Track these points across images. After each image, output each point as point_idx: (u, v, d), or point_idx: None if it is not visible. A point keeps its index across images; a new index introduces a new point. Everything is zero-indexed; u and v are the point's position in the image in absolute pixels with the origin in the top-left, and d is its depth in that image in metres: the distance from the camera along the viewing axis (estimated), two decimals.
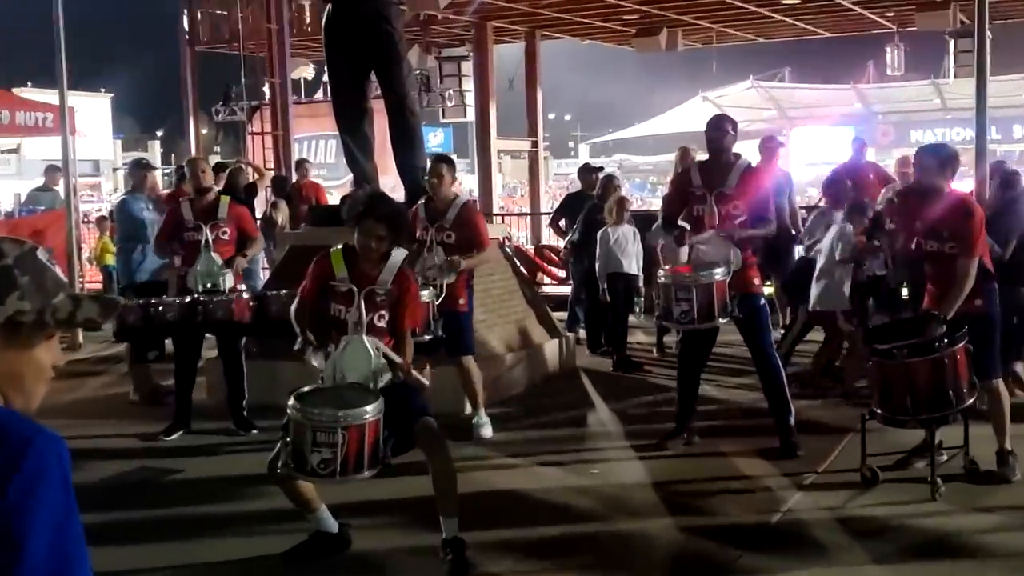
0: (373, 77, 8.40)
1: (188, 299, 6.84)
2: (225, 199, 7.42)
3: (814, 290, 7.86)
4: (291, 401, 4.42)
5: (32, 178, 29.93)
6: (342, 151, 8.81)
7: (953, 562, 4.66)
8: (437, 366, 6.54)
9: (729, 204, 6.26)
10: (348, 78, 8.32)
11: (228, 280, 7.01)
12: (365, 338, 4.54)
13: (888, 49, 20.68)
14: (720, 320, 6.23)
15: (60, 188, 12.37)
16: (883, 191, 9.03)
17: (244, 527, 5.30)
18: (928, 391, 5.44)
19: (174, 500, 5.85)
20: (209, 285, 6.90)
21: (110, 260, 13.38)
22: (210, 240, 7.05)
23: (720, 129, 6.40)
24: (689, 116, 34.51)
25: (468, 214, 6.82)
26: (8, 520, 1.40)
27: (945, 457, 5.77)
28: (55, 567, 1.42)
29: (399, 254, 4.76)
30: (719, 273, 6.14)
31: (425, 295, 5.94)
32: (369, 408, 4.33)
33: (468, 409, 7.16)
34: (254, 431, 7.07)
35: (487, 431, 6.91)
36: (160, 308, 6.86)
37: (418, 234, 6.62)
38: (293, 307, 4.85)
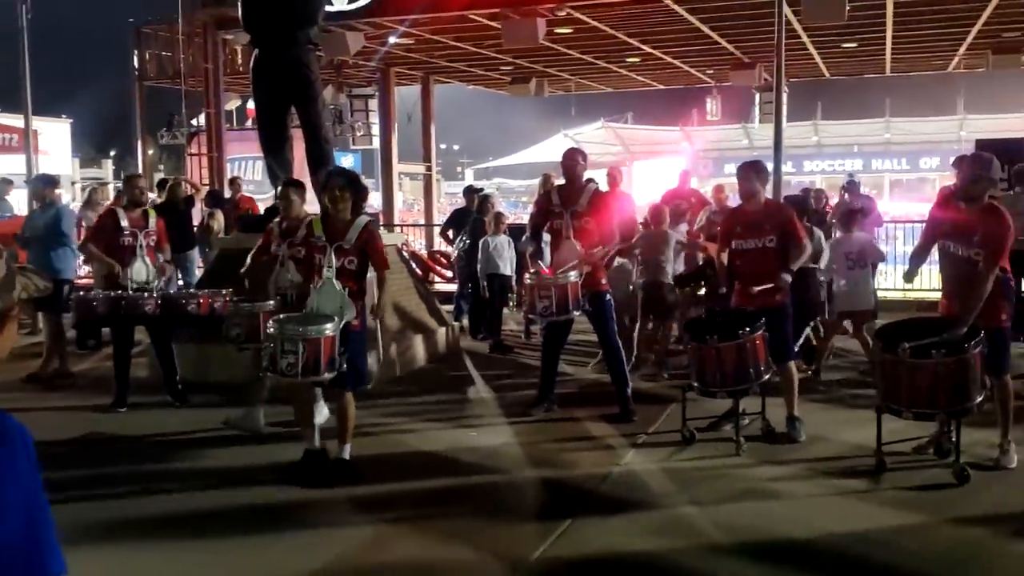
0: (293, 111, 8.23)
1: (121, 294, 6.63)
2: (152, 212, 7.19)
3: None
4: (272, 320, 4.97)
5: None
6: (266, 171, 8.60)
7: (755, 503, 4.73)
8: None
9: (582, 219, 6.31)
10: (272, 111, 8.12)
11: (157, 279, 6.88)
12: (335, 281, 4.95)
13: (708, 99, 21.28)
14: (574, 313, 6.26)
15: (10, 199, 11.84)
16: (702, 211, 9.27)
17: (190, 481, 5.11)
18: (734, 369, 5.58)
19: (123, 459, 5.62)
20: (141, 283, 6.72)
21: None
22: (144, 245, 6.83)
23: (573, 159, 6.44)
24: (552, 149, 34.86)
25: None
26: None
27: (747, 421, 5.90)
28: (29, 533, 1.33)
29: (363, 219, 5.10)
30: (573, 276, 6.18)
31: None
32: (326, 327, 4.77)
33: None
34: (180, 404, 6.88)
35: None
36: (129, 302, 6.61)
37: (272, 249, 5.98)
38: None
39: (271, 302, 5.83)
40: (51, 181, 8.55)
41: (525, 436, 5.99)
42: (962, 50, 16.71)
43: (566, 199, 6.38)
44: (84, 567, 2.01)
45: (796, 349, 6.81)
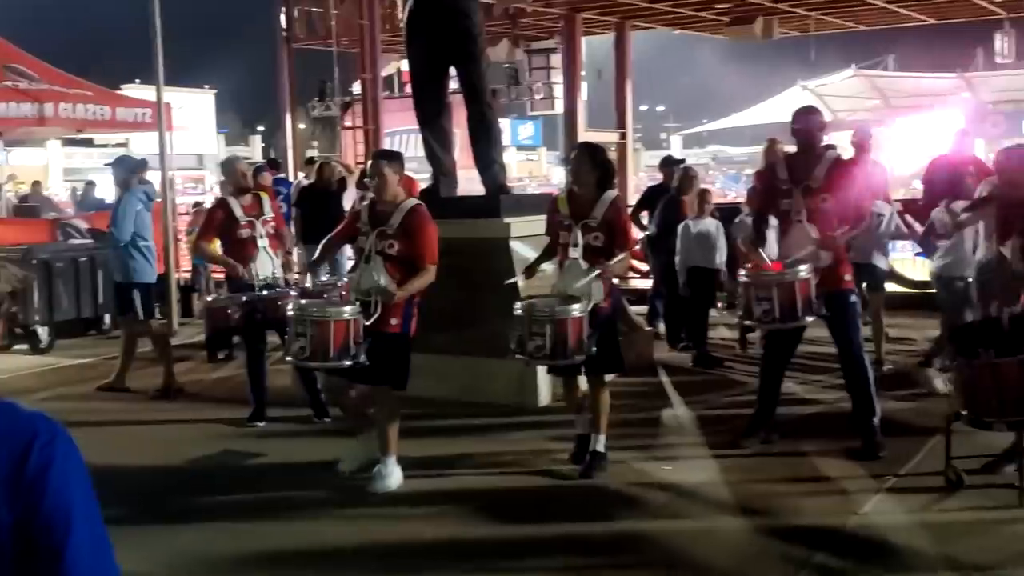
0: (453, 72, 8.37)
1: (249, 297, 6.99)
2: (265, 195, 7.54)
3: None
4: (520, 301, 5.77)
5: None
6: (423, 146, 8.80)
7: None
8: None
9: (818, 197, 6.11)
10: (427, 72, 8.31)
11: (279, 273, 7.22)
12: (582, 261, 5.66)
13: (997, 36, 19.92)
14: (805, 319, 6.04)
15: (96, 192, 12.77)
16: (981, 184, 8.65)
17: (313, 511, 5.36)
18: (1018, 394, 5.19)
19: (253, 485, 5.93)
20: (268, 279, 7.08)
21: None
22: (264, 235, 7.16)
23: (807, 120, 6.26)
24: (787, 106, 33.75)
25: (416, 221, 5.70)
26: (53, 495, 1.45)
27: None
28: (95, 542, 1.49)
29: (610, 194, 5.84)
30: (803, 271, 5.96)
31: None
32: (574, 308, 5.52)
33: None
34: (327, 419, 7.17)
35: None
36: (266, 304, 7.01)
37: (359, 242, 5.79)
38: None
39: (347, 308, 5.59)
40: (133, 166, 8.79)
41: (734, 474, 5.91)
42: None
43: (797, 171, 6.22)
44: None
45: None
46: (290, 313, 5.64)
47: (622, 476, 5.89)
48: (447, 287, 7.79)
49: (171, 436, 7.07)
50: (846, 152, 7.82)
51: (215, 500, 5.69)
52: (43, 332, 10.58)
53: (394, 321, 5.60)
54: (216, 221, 7.38)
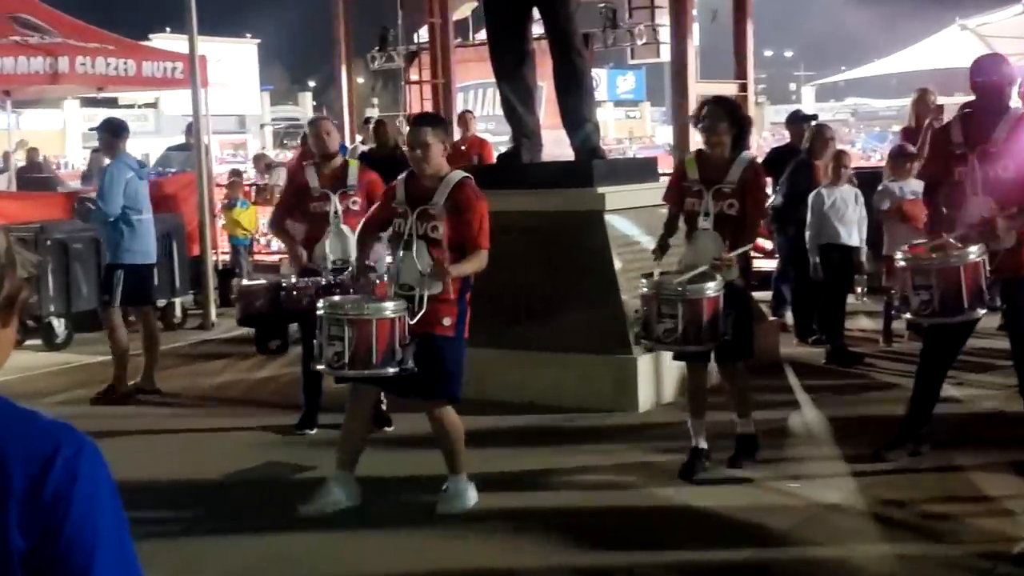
0: (536, 14, 8.40)
1: (323, 283, 6.98)
2: (354, 163, 7.56)
3: None
4: (645, 279, 6.05)
5: (171, 136, 31.44)
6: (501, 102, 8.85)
7: None
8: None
9: (997, 165, 6.00)
10: (506, 14, 8.35)
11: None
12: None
13: None
14: (977, 312, 5.95)
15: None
16: None
17: (368, 534, 5.48)
18: None
19: (299, 498, 6.01)
20: (340, 262, 7.03)
21: (240, 234, 13.84)
22: (339, 211, 7.18)
23: (987, 72, 6.15)
24: (942, 50, 33.16)
25: (466, 197, 5.64)
26: (77, 508, 1.47)
27: None
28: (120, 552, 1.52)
29: (747, 155, 6.11)
30: (974, 252, 5.85)
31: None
32: (708, 287, 5.72)
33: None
34: (388, 428, 7.28)
35: None
36: (293, 292, 7.02)
37: (395, 225, 5.74)
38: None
39: (390, 304, 5.55)
40: (118, 128, 8.74)
41: (875, 491, 5.86)
42: None
43: (973, 132, 6.12)
44: None
45: None
46: (319, 313, 5.54)
47: (740, 496, 5.88)
48: (523, 269, 7.81)
49: (207, 447, 7.24)
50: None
51: (258, 521, 5.78)
52: (59, 325, 10.78)
53: (447, 321, 5.51)
54: (288, 193, 7.52)
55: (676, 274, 5.99)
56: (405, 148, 6.18)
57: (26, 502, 1.44)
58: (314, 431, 7.33)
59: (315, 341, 5.64)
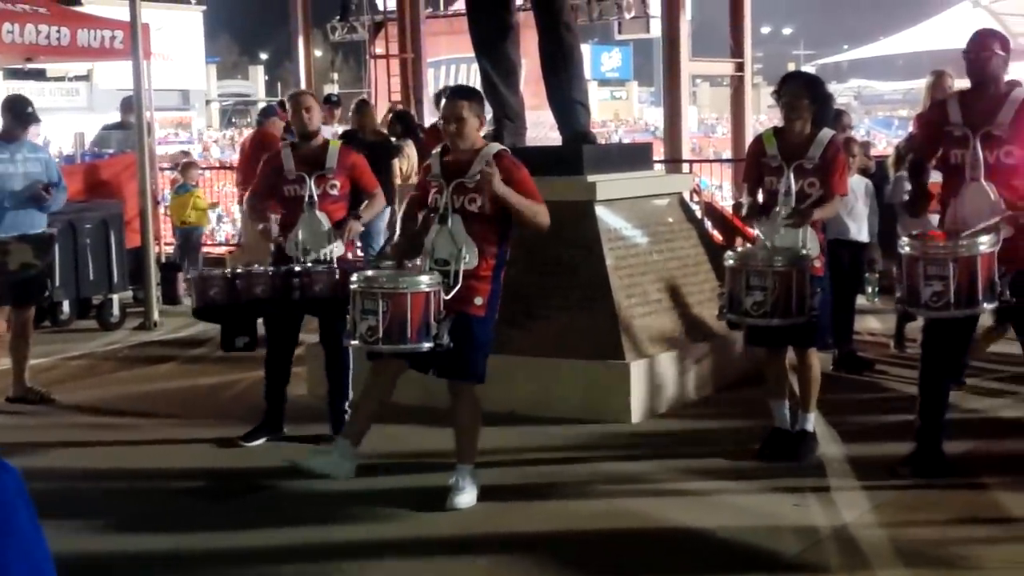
0: None
1: (283, 269, 6.94)
2: (335, 144, 7.47)
3: None
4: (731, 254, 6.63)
5: (106, 112, 31.22)
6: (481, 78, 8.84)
7: None
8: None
9: (999, 149, 6.10)
10: None
11: (338, 248, 7.11)
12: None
13: None
14: (985, 305, 6.04)
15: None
16: None
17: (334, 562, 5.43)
18: None
19: (249, 523, 5.99)
20: (313, 252, 7.00)
21: (195, 218, 13.78)
22: (315, 196, 7.11)
23: (986, 48, 6.25)
24: (954, 28, 33.51)
25: (506, 167, 5.96)
26: None
27: None
28: None
29: (826, 132, 6.47)
30: (985, 241, 5.94)
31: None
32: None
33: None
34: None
35: None
36: (247, 280, 6.99)
37: (430, 200, 6.06)
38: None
39: (425, 277, 5.87)
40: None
41: (888, 512, 5.89)
42: None
43: (974, 114, 6.21)
44: None
45: None
46: (354, 287, 5.86)
47: (738, 516, 5.88)
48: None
49: (155, 459, 7.13)
50: None
51: (233, 538, 5.76)
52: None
53: (479, 301, 5.89)
54: (262, 174, 7.41)
55: (761, 248, 6.50)
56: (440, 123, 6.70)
57: None
58: (261, 441, 7.24)
59: (348, 316, 5.93)
